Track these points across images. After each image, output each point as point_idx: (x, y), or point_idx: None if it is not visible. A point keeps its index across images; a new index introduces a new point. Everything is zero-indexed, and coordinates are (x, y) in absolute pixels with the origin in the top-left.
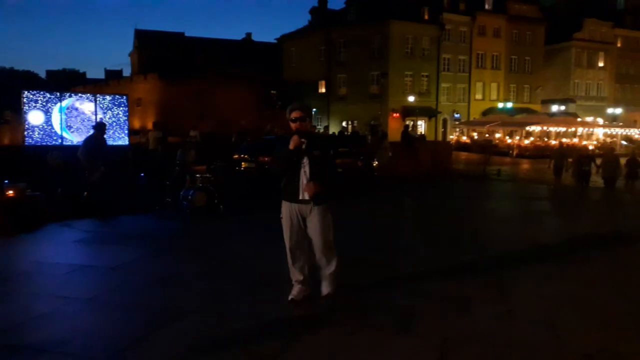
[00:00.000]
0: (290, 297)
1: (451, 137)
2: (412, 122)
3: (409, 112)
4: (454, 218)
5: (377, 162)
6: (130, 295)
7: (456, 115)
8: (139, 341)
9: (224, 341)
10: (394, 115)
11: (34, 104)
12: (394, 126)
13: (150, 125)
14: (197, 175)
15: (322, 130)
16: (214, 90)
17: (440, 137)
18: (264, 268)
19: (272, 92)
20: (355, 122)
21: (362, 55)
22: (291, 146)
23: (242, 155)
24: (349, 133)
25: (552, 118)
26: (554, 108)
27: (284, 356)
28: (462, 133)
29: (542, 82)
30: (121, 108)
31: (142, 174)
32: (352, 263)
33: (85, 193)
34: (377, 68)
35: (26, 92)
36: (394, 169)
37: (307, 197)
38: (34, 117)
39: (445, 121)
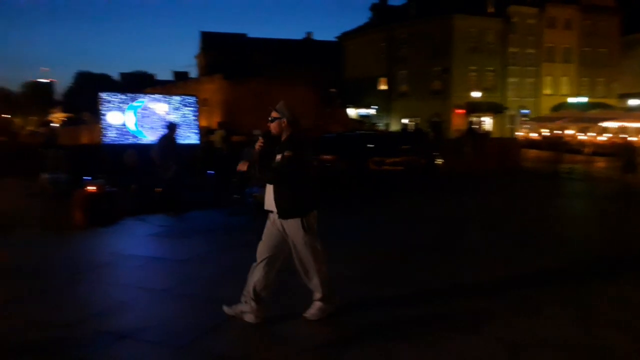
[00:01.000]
0: (253, 319)
1: (519, 133)
2: (477, 119)
3: (474, 108)
4: (524, 218)
5: (441, 160)
6: (201, 286)
7: (524, 111)
8: (211, 331)
9: (290, 333)
10: (458, 111)
11: (110, 105)
12: (457, 122)
13: (215, 125)
14: None
15: (382, 128)
16: (275, 90)
17: (507, 134)
18: None
19: (331, 90)
20: (417, 118)
21: (424, 51)
22: (256, 147)
23: None
24: (411, 130)
25: (631, 113)
26: (633, 102)
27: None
28: (530, 129)
29: (618, 75)
30: (190, 108)
31: (210, 172)
32: (417, 262)
33: (158, 189)
34: (440, 63)
35: (103, 94)
36: (458, 167)
37: (270, 207)
38: (112, 118)
39: (512, 117)
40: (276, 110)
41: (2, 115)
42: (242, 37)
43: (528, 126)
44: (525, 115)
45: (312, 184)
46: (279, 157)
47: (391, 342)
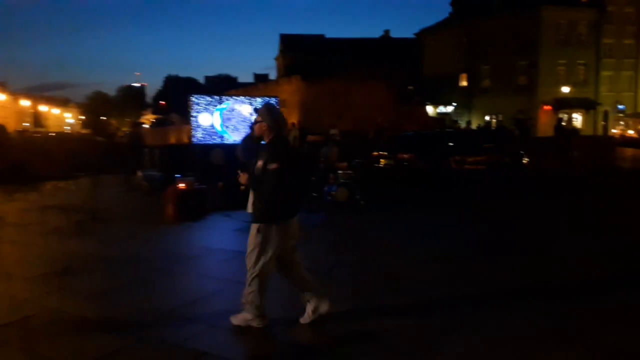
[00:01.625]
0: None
1: (614, 131)
2: (566, 115)
3: (563, 104)
4: (621, 220)
5: (527, 159)
6: (285, 281)
7: (620, 107)
8: (295, 323)
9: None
10: (545, 107)
11: (199, 107)
12: (544, 120)
13: (290, 125)
14: (339, 172)
15: (463, 126)
16: (351, 89)
17: (600, 131)
18: (396, 264)
19: (409, 87)
20: (500, 115)
21: (508, 45)
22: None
23: (381, 152)
24: (493, 128)
25: None
26: None
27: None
28: (627, 126)
29: None
30: None
31: None
32: (500, 264)
33: (242, 187)
34: (526, 57)
35: (193, 97)
36: (547, 166)
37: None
38: (201, 119)
39: (606, 113)
40: (259, 114)
41: (100, 118)
42: (320, 38)
43: (624, 123)
44: (621, 111)
45: (291, 192)
46: (260, 163)
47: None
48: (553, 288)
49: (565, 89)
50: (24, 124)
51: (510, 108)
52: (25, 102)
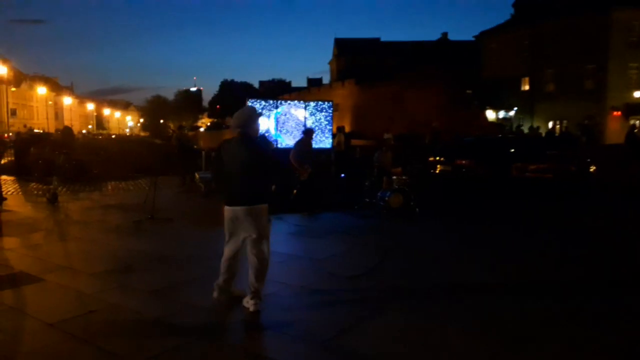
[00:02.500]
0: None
1: None
2: (638, 122)
3: (635, 110)
4: None
5: (594, 167)
6: (338, 285)
7: None
8: (348, 330)
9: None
10: (615, 113)
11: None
12: (614, 126)
13: (346, 130)
14: (394, 177)
15: (526, 131)
16: (406, 92)
17: None
18: (451, 273)
19: (467, 91)
20: (565, 121)
21: (574, 48)
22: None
23: (438, 158)
24: (557, 134)
25: None
26: None
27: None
28: None
29: None
30: (324, 113)
31: (342, 175)
32: (564, 274)
33: (295, 191)
34: (593, 61)
35: (249, 101)
36: (617, 177)
37: None
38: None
39: None
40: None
41: (159, 120)
42: (375, 41)
43: None
44: None
45: (233, 183)
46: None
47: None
48: None
49: (638, 94)
50: (88, 126)
51: (576, 113)
52: (90, 106)
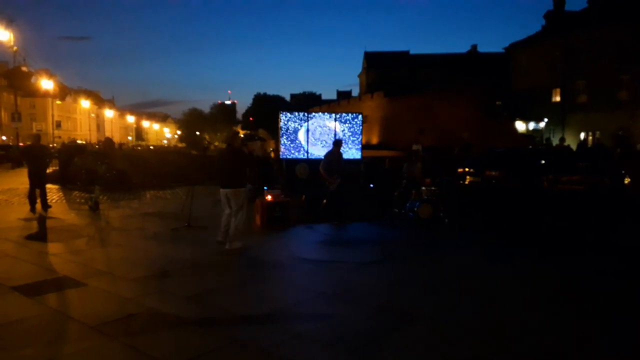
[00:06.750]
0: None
1: None
2: None
3: None
4: None
5: (628, 180)
6: (369, 294)
7: None
8: (376, 340)
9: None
10: None
11: (288, 123)
12: None
13: (374, 141)
14: (423, 188)
15: (557, 143)
16: (435, 104)
17: None
18: (478, 287)
19: (497, 103)
20: (597, 132)
21: (607, 58)
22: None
23: (468, 169)
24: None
25: None
26: None
27: None
28: None
29: None
30: (354, 125)
31: (371, 185)
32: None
33: (324, 201)
34: (628, 71)
35: (281, 113)
36: None
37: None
38: (289, 134)
39: None
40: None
41: (195, 132)
42: (404, 54)
43: None
44: None
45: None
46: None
47: None
48: None
49: None
50: (128, 137)
51: (609, 125)
52: (130, 118)
